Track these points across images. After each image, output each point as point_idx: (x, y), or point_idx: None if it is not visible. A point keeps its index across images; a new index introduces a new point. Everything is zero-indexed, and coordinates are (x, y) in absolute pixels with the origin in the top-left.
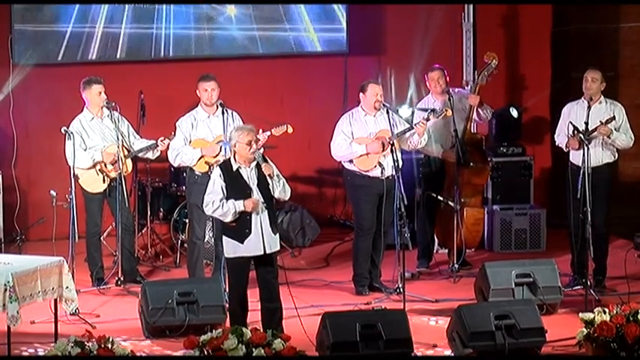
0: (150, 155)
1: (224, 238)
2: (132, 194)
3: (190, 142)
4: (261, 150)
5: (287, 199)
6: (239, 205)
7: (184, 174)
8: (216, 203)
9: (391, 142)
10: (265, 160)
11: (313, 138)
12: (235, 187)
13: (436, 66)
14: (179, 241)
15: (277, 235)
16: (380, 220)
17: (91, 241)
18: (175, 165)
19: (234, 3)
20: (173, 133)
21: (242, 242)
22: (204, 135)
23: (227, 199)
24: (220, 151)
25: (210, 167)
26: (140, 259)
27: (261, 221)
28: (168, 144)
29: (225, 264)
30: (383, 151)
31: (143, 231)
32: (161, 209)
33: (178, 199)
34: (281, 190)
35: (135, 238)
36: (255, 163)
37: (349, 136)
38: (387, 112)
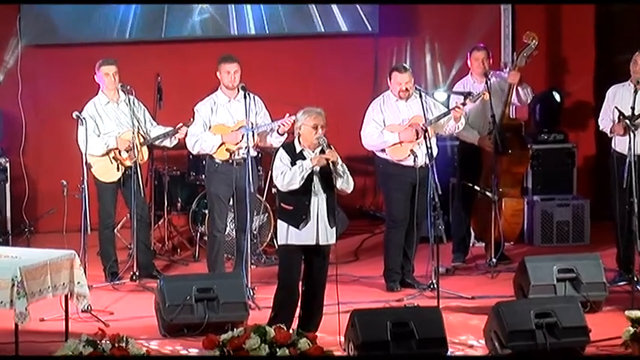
0: (167, 143)
1: (279, 222)
2: (148, 184)
3: (210, 127)
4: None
5: (349, 192)
6: (306, 162)
7: (204, 162)
8: (285, 170)
9: (425, 129)
10: (330, 147)
11: (341, 123)
12: None
13: (481, 45)
14: (198, 234)
15: (334, 228)
16: (413, 211)
17: (104, 233)
18: (194, 152)
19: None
20: (192, 118)
21: (298, 227)
22: (224, 120)
23: None
24: (242, 137)
25: (231, 155)
26: (156, 253)
27: (318, 209)
28: (187, 131)
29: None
30: (417, 138)
31: (160, 223)
32: (179, 199)
33: (197, 189)
34: (344, 181)
35: (151, 231)
36: (319, 149)
37: (380, 124)
38: (421, 97)
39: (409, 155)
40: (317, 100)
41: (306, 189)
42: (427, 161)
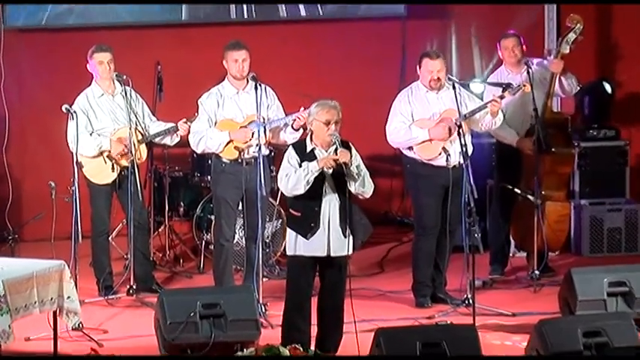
0: (168, 141)
1: (287, 230)
2: (146, 186)
3: (216, 123)
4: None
5: (367, 196)
6: (312, 164)
7: (209, 161)
8: (290, 172)
9: (458, 125)
10: (346, 147)
11: (364, 118)
12: None
13: (510, 32)
14: (203, 242)
15: (349, 238)
16: (445, 217)
17: (98, 241)
18: (198, 151)
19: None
20: (196, 113)
21: (306, 237)
22: (232, 115)
23: None
24: (253, 134)
25: (240, 153)
26: (156, 264)
27: (330, 215)
28: (189, 127)
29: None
30: (449, 135)
31: (160, 230)
32: (181, 204)
33: (202, 192)
34: (359, 183)
35: (150, 239)
36: (334, 147)
37: (408, 119)
38: (454, 88)
39: (440, 154)
40: (336, 92)
41: (315, 193)
42: (461, 160)
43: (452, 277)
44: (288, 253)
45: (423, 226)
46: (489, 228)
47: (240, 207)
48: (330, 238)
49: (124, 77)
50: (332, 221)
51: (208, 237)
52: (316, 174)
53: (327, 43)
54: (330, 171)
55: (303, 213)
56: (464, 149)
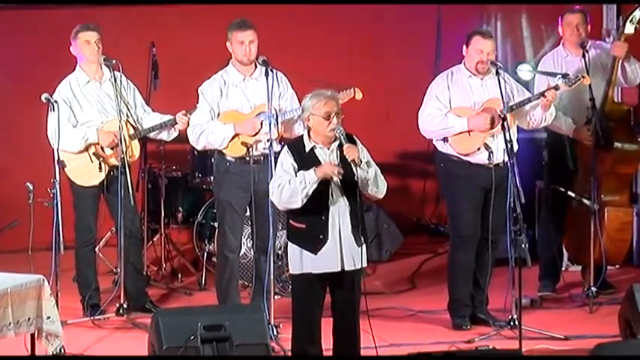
0: (164, 136)
1: (289, 245)
2: (139, 188)
3: (219, 115)
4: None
5: (380, 196)
6: (309, 174)
7: (212, 160)
8: (284, 182)
9: (503, 117)
10: (351, 141)
11: (393, 110)
12: None
13: (577, 7)
14: (205, 254)
15: (363, 247)
16: (487, 224)
17: (83, 253)
18: (199, 148)
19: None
20: (196, 103)
21: (314, 252)
22: (238, 105)
23: None
24: (261, 127)
25: (248, 150)
26: (150, 279)
27: (339, 224)
28: (189, 119)
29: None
30: (491, 128)
31: (155, 239)
32: (180, 209)
33: (204, 195)
34: (371, 182)
35: (143, 250)
36: (336, 143)
37: (445, 105)
38: (498, 75)
39: (480, 149)
40: (361, 80)
41: (320, 199)
42: (505, 158)
43: (494, 294)
44: (293, 271)
45: (461, 236)
46: (539, 237)
47: (247, 213)
48: (342, 250)
49: (114, 62)
50: (343, 230)
51: (211, 248)
52: (315, 185)
53: (351, 25)
54: (336, 178)
55: (308, 224)
56: (508, 145)
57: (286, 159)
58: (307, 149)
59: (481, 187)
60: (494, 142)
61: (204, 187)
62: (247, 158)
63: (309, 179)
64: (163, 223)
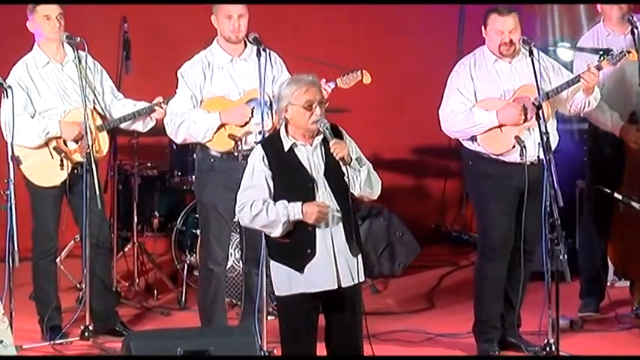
0: (138, 127)
1: (272, 263)
2: (108, 189)
3: (202, 102)
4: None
5: (374, 197)
6: (294, 210)
7: (194, 156)
8: (257, 207)
9: (538, 106)
10: (337, 135)
11: (407, 97)
12: (288, 178)
13: None
14: (185, 267)
15: (359, 257)
16: (520, 232)
17: (42, 265)
18: (178, 141)
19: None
20: (175, 88)
21: (301, 270)
22: (224, 90)
23: (275, 199)
24: (252, 116)
25: (236, 143)
26: (121, 296)
27: (332, 235)
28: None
29: (276, 306)
30: (525, 121)
31: (126, 249)
32: (156, 214)
33: (184, 198)
34: (364, 182)
35: (113, 262)
36: (320, 138)
37: (469, 98)
38: (531, 56)
39: (513, 146)
40: (374, 65)
41: None
42: (541, 155)
43: (528, 314)
44: (280, 293)
45: (490, 246)
46: (580, 247)
47: (236, 218)
48: (337, 264)
49: (78, 39)
50: (336, 240)
51: (192, 259)
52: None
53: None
54: (322, 172)
55: (294, 237)
56: (545, 139)
57: (258, 164)
58: (286, 148)
59: (515, 189)
60: (528, 137)
61: (184, 187)
62: (236, 153)
63: (294, 216)
64: (136, 230)
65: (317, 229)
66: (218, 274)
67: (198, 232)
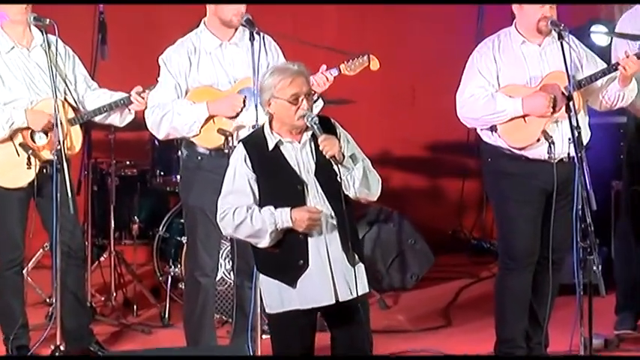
0: (115, 120)
1: (261, 277)
2: (81, 191)
3: (187, 92)
4: (317, 108)
5: (373, 198)
6: (282, 216)
7: (179, 153)
8: (241, 214)
9: (569, 96)
10: (328, 129)
11: (420, 87)
12: (274, 181)
13: None
14: (169, 279)
15: (360, 265)
16: (547, 240)
17: (6, 277)
18: (161, 136)
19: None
20: (157, 77)
21: (292, 284)
22: (213, 79)
23: (260, 205)
24: (244, 106)
25: (227, 138)
26: (96, 312)
27: (327, 243)
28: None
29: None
30: (553, 112)
31: (102, 259)
32: (136, 219)
33: (168, 201)
34: (359, 182)
35: (87, 273)
36: (309, 134)
37: (492, 82)
38: (561, 39)
39: (539, 140)
40: (377, 50)
41: None
42: (571, 152)
43: (557, 332)
44: (271, 310)
45: (512, 255)
46: (615, 257)
47: None
48: (333, 276)
49: (47, 22)
50: (331, 248)
51: (177, 270)
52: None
53: None
54: (313, 172)
55: (283, 248)
56: (575, 134)
57: (240, 166)
58: (270, 146)
59: (542, 190)
60: (557, 130)
61: (168, 189)
62: (226, 150)
63: (281, 223)
64: (113, 237)
65: (309, 238)
66: (206, 286)
67: (183, 239)
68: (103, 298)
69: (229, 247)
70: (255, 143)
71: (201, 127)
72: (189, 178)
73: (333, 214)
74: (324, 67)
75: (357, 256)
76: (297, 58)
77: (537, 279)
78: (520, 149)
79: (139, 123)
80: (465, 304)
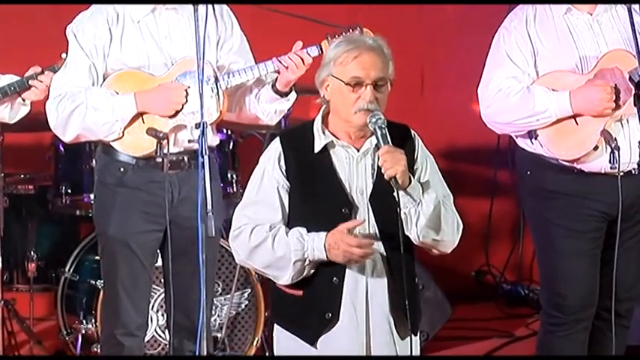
0: (4, 115)
1: (275, 329)
2: None
3: (105, 78)
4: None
5: (445, 250)
6: (314, 242)
7: (92, 163)
8: (260, 234)
9: (638, 84)
10: (403, 142)
11: (431, 77)
12: (311, 194)
13: None
14: (80, 339)
15: (415, 340)
16: (608, 284)
17: None
18: (68, 138)
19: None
20: (63, 54)
21: (313, 342)
22: (142, 59)
23: (289, 225)
24: (186, 101)
25: (159, 143)
26: None
27: (368, 293)
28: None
29: None
30: (616, 108)
31: None
32: (32, 255)
33: (77, 230)
34: (427, 221)
35: None
36: (373, 142)
37: (526, 70)
38: (630, 12)
39: (598, 148)
40: (377, 28)
41: None
42: None
43: None
44: None
45: (561, 306)
46: None
47: (159, 262)
48: (370, 341)
49: None
50: (373, 304)
51: (90, 327)
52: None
53: None
54: (368, 197)
55: (309, 290)
56: None
57: (271, 168)
58: (317, 147)
59: (601, 215)
60: (622, 133)
61: (77, 213)
62: (159, 159)
63: (312, 252)
64: (2, 281)
65: (344, 284)
66: (131, 349)
67: (99, 283)
68: None
69: (163, 296)
70: (297, 139)
71: (125, 128)
72: (108, 199)
73: (384, 258)
74: (299, 43)
75: (410, 325)
76: (264, 32)
77: (596, 339)
78: (572, 161)
79: (37, 119)
80: None
